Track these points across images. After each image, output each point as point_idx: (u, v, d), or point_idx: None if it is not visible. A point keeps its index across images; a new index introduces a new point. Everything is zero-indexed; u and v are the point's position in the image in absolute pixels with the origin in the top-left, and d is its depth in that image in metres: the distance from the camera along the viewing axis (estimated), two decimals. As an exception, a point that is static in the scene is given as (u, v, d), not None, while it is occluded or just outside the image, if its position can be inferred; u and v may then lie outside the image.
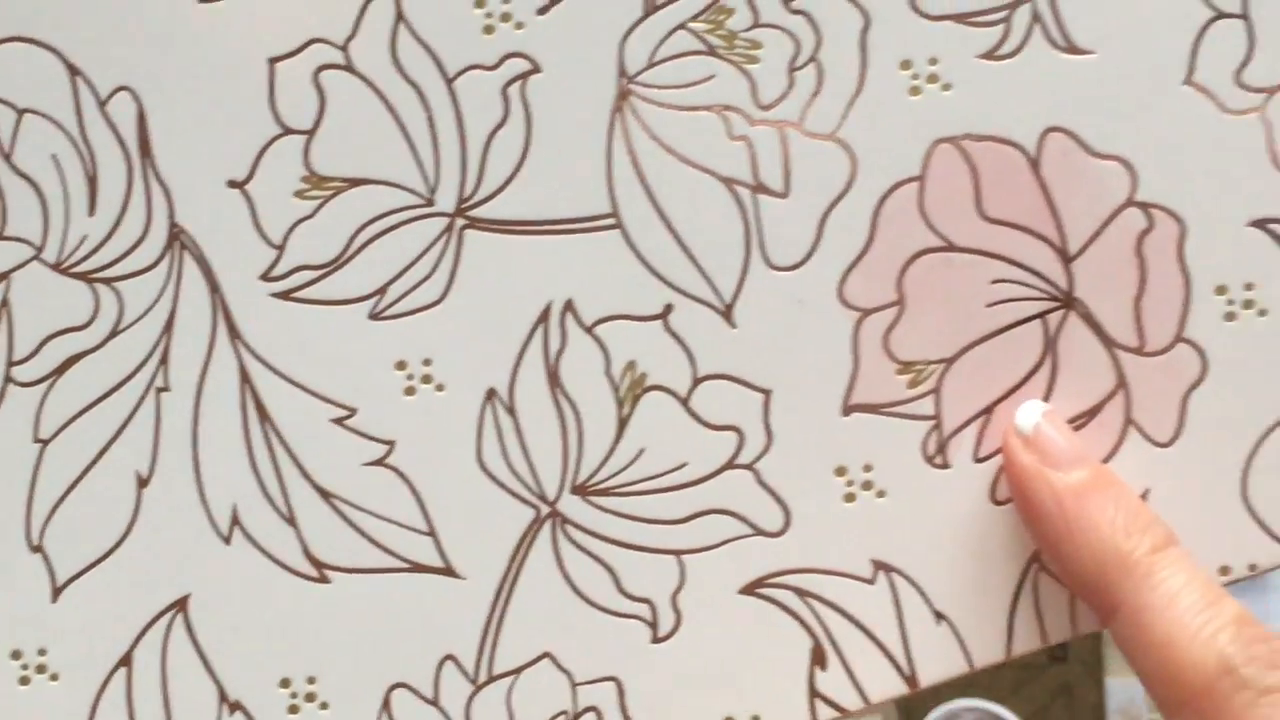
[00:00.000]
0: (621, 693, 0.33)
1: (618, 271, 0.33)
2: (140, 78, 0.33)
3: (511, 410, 0.33)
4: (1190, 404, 0.32)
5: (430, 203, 0.33)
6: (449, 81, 0.33)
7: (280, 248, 0.33)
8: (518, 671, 0.33)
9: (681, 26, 0.33)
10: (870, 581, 0.33)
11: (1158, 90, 0.32)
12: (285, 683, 0.33)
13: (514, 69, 0.33)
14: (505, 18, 0.33)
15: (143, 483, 0.33)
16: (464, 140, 0.33)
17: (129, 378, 0.33)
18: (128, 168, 0.33)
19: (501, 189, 0.33)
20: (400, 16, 0.33)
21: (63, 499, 0.33)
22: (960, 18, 0.32)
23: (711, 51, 0.33)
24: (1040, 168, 0.32)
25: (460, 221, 0.33)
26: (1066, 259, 0.32)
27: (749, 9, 0.32)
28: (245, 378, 0.33)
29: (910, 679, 0.33)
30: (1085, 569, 0.30)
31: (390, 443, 0.33)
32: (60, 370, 0.33)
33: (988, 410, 0.32)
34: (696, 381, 0.33)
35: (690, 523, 0.33)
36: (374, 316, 0.33)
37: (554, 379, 0.33)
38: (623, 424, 0.33)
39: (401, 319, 0.33)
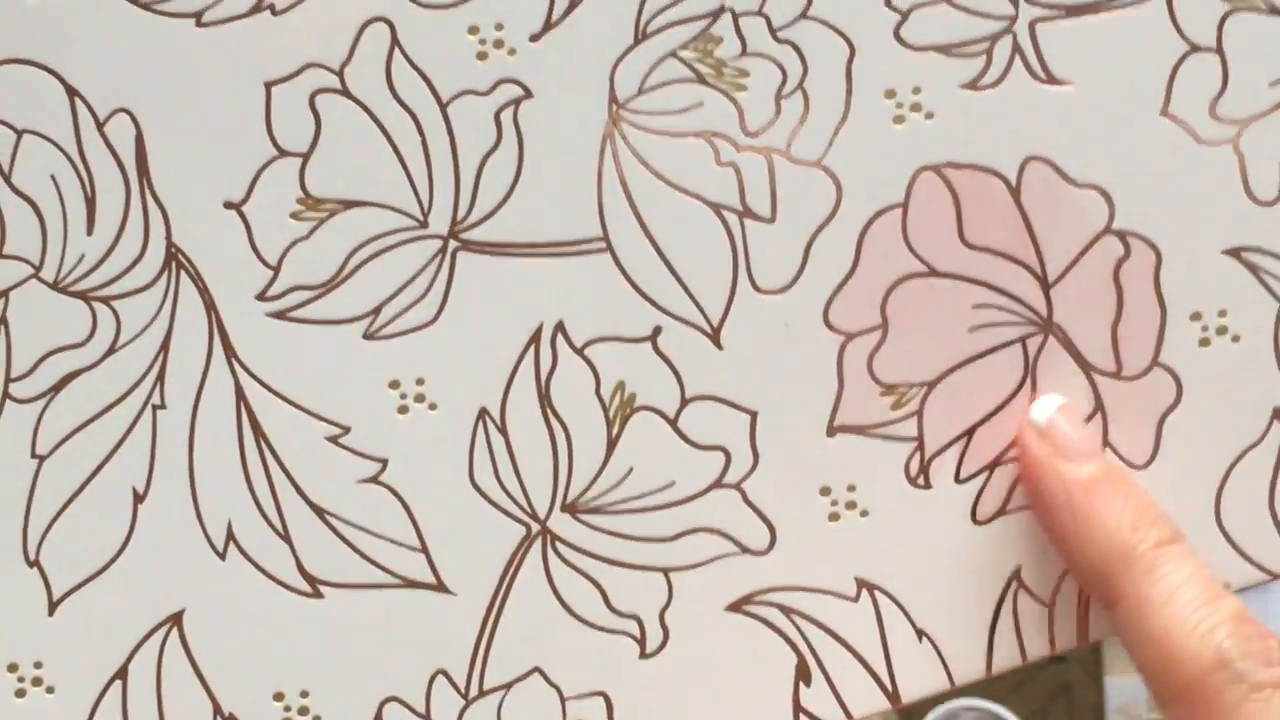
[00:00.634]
0: (610, 707, 0.33)
1: (608, 294, 0.33)
2: (138, 100, 0.33)
3: (503, 429, 0.33)
4: (1165, 427, 0.33)
5: (424, 225, 0.33)
6: (443, 106, 0.33)
7: (276, 268, 0.33)
8: (508, 686, 0.33)
9: (671, 54, 0.33)
10: (854, 599, 0.33)
11: (1135, 121, 0.33)
12: (279, 696, 0.33)
13: (507, 94, 0.33)
14: (498, 44, 0.33)
15: (139, 498, 0.34)
16: (457, 164, 0.33)
17: (126, 395, 0.34)
18: (125, 188, 0.33)
19: (494, 212, 0.33)
20: (395, 42, 0.33)
21: (59, 514, 0.34)
22: (943, 49, 0.33)
23: (700, 79, 0.33)
24: (1020, 196, 0.33)
25: (453, 244, 0.33)
26: (1046, 285, 0.33)
27: (737, 38, 0.33)
28: (241, 395, 0.34)
29: (893, 695, 0.33)
30: (1090, 560, 0.31)
31: (383, 460, 0.34)
32: (58, 387, 0.34)
33: (969, 432, 0.33)
34: (685, 402, 0.33)
35: (678, 541, 0.33)
36: (368, 336, 0.33)
37: (545, 399, 0.33)
38: (612, 443, 0.33)
39: (395, 339, 0.33)
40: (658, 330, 0.33)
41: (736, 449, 0.33)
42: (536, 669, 0.33)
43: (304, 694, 0.33)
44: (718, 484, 0.33)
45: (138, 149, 0.33)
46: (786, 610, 0.33)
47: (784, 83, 0.33)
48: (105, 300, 0.33)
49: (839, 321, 0.33)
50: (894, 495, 0.33)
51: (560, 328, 0.33)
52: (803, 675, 0.33)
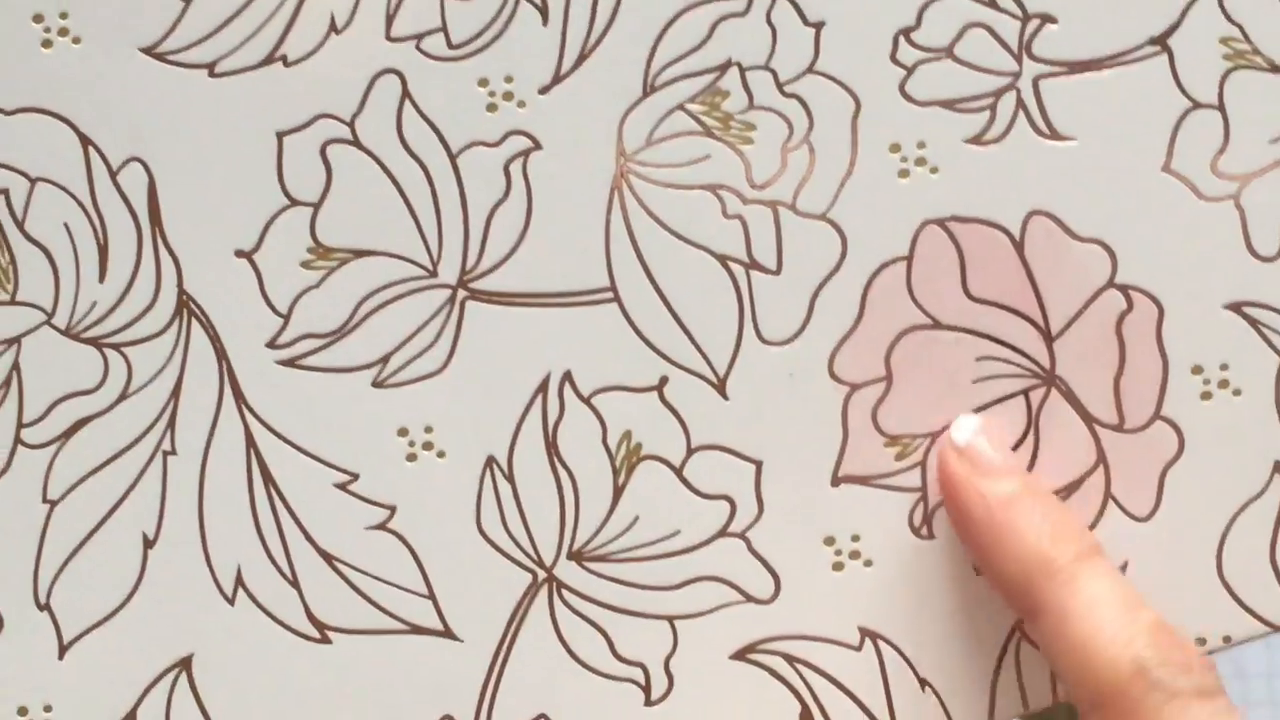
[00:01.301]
0: (615, 755, 0.34)
1: (615, 344, 0.34)
2: (151, 149, 0.34)
3: (510, 477, 0.34)
4: (1168, 480, 0.33)
5: (433, 274, 0.34)
6: (453, 157, 0.34)
7: (286, 316, 0.34)
8: (514, 733, 0.34)
9: (679, 108, 0.34)
10: (857, 649, 0.34)
11: (1137, 176, 0.33)
12: (286, 741, 0.34)
13: (516, 146, 0.34)
14: (508, 96, 0.34)
15: (149, 544, 0.34)
16: (466, 214, 0.34)
17: (136, 441, 0.34)
18: (138, 236, 0.34)
19: (502, 262, 0.34)
20: (406, 94, 0.34)
21: (70, 558, 0.34)
22: (947, 104, 0.33)
23: (707, 132, 0.34)
24: (1024, 249, 0.33)
25: (462, 293, 0.34)
26: (1049, 338, 0.33)
27: (744, 92, 0.34)
28: (250, 442, 0.34)
29: (895, 745, 0.34)
30: (1011, 574, 0.31)
31: (392, 508, 0.34)
32: (69, 433, 0.34)
33: (972, 484, 0.34)
34: (690, 452, 0.34)
35: (683, 589, 0.34)
36: (377, 384, 0.34)
37: (552, 447, 0.34)
38: (618, 492, 0.34)
39: (404, 387, 0.34)
40: (664, 380, 0.34)
41: (741, 498, 0.34)
42: (542, 715, 0.34)
43: (311, 740, 0.34)
44: (723, 533, 0.34)
45: (150, 197, 0.34)
46: (790, 659, 0.34)
47: (790, 136, 0.34)
48: (117, 347, 0.34)
49: (843, 373, 0.34)
50: (898, 545, 0.34)
51: (568, 377, 0.34)
52: (806, 724, 0.34)
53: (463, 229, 0.34)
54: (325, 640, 0.34)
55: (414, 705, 0.34)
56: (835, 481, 0.34)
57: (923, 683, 0.34)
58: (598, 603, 0.34)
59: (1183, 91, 0.33)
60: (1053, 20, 0.33)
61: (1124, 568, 0.33)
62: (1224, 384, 0.33)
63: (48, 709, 0.34)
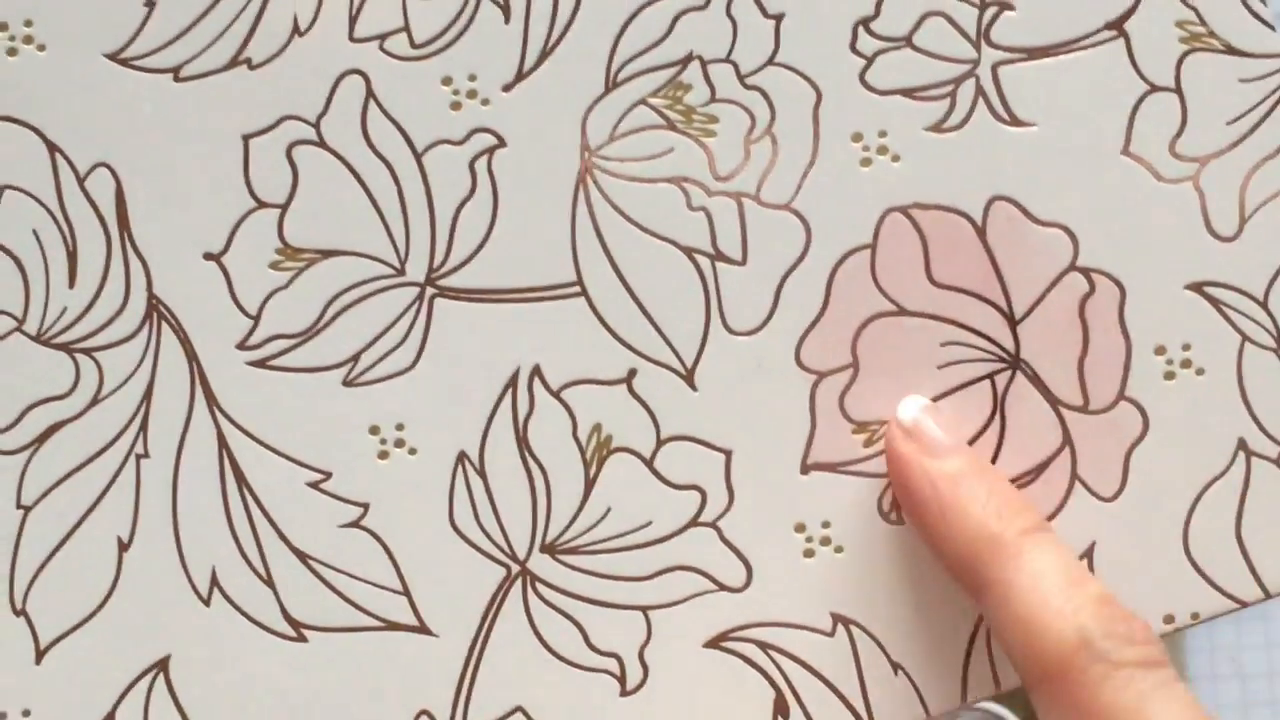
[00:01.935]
0: (591, 746, 0.34)
1: (583, 337, 0.34)
2: (118, 154, 0.34)
3: (482, 472, 0.34)
4: (1133, 460, 0.34)
5: (401, 273, 0.34)
6: (418, 156, 0.34)
7: (256, 318, 0.34)
8: (491, 726, 0.34)
9: (642, 102, 0.34)
10: (830, 634, 0.34)
11: (1097, 160, 0.34)
12: (265, 740, 0.34)
13: (481, 144, 0.34)
14: (472, 94, 0.34)
15: (124, 546, 0.34)
16: (433, 212, 0.34)
17: (109, 445, 0.34)
18: (106, 241, 0.34)
19: (470, 259, 0.34)
20: (370, 94, 0.34)
21: (45, 563, 0.34)
22: (908, 92, 0.34)
23: (671, 126, 0.34)
24: (986, 235, 0.34)
25: (430, 290, 0.34)
26: (1013, 322, 0.34)
27: (706, 84, 0.34)
28: (223, 444, 0.34)
29: (869, 729, 0.34)
30: (958, 549, 0.32)
31: (365, 505, 0.34)
32: (42, 438, 0.34)
33: (939, 468, 0.34)
34: (660, 443, 0.34)
35: (656, 579, 0.34)
36: (347, 383, 0.34)
37: (523, 442, 0.34)
38: (590, 484, 0.34)
39: (374, 385, 0.34)
40: (633, 372, 0.34)
41: (712, 488, 0.34)
42: (519, 708, 0.34)
43: (289, 738, 0.34)
44: (694, 523, 0.34)
45: (118, 202, 0.34)
46: (764, 646, 0.34)
47: (752, 128, 0.34)
48: (88, 352, 0.34)
49: (810, 361, 0.34)
50: (868, 531, 0.34)
51: (537, 371, 0.34)
52: (781, 710, 0.34)
53: (429, 227, 0.34)
54: (301, 639, 0.34)
55: (391, 701, 0.34)
56: (805, 469, 0.34)
57: (895, 666, 0.34)
58: (571, 595, 0.34)
59: (1140, 75, 0.34)
60: (1010, 7, 0.34)
61: (1091, 548, 0.34)
62: (1186, 364, 0.34)
63: (26, 713, 0.34)
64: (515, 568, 0.34)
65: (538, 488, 0.34)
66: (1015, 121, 0.34)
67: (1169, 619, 0.34)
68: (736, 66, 0.34)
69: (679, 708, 0.34)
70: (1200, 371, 0.34)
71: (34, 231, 0.34)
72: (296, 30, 0.34)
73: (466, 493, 0.34)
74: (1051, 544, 0.31)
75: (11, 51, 0.34)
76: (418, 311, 0.34)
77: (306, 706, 0.34)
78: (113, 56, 0.34)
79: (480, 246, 0.34)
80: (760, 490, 0.34)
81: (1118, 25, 0.34)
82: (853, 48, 0.34)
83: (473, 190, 0.34)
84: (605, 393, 0.34)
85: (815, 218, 0.34)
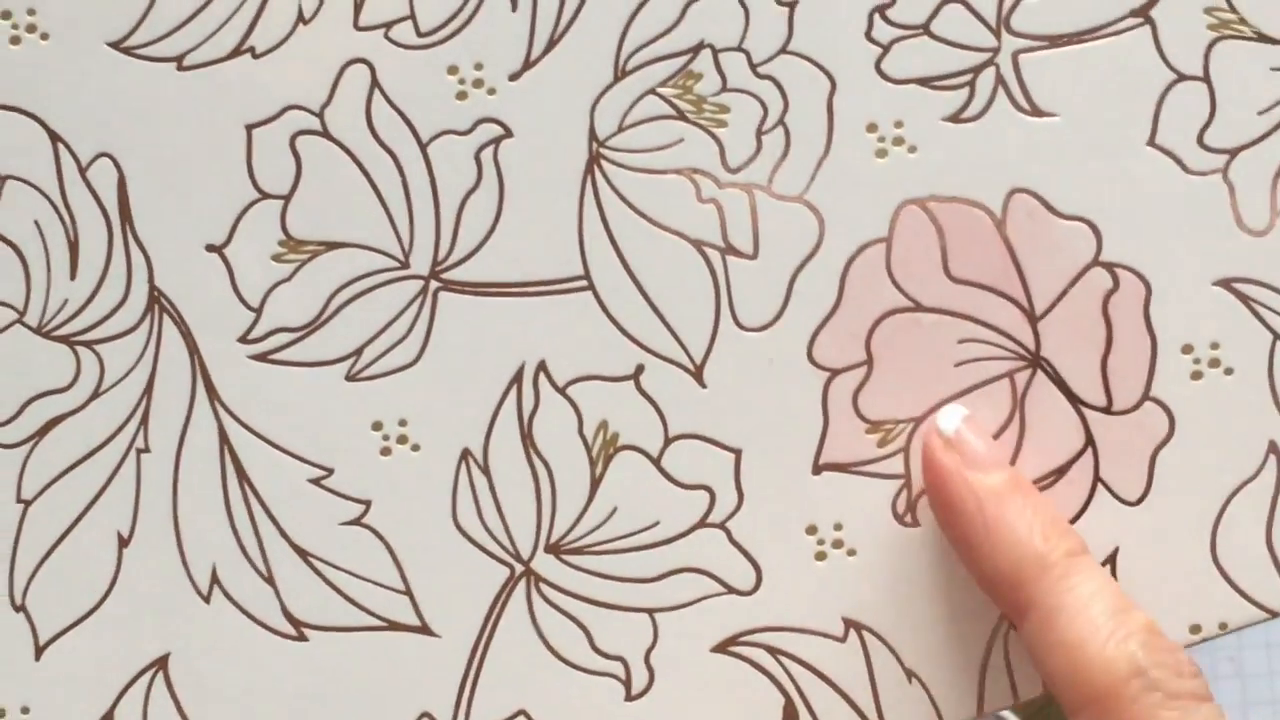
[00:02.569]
0: (594, 751, 0.33)
1: (590, 332, 0.33)
2: (120, 144, 0.33)
3: (486, 470, 0.33)
4: (1159, 462, 0.33)
5: (405, 265, 0.33)
6: (423, 147, 0.33)
7: (258, 310, 0.33)
8: (492, 730, 0.33)
9: (651, 91, 0.33)
10: (841, 640, 0.33)
11: (1122, 151, 0.32)
12: (263, 741, 0.33)
13: (487, 134, 0.33)
14: (478, 84, 0.33)
15: (124, 542, 0.34)
16: (438, 204, 0.33)
17: (110, 439, 0.34)
18: (108, 233, 0.33)
19: (475, 252, 0.33)
20: (375, 83, 0.33)
21: (45, 558, 0.34)
22: (925, 81, 0.33)
23: (680, 116, 0.33)
24: (1005, 228, 0.33)
25: (434, 284, 0.33)
26: (1033, 319, 0.33)
27: (717, 74, 0.33)
28: (224, 438, 0.33)
29: (880, 738, 0.33)
30: (1001, 569, 0.31)
31: (366, 502, 0.33)
32: (42, 432, 0.34)
33: (956, 469, 0.33)
34: (668, 441, 0.33)
35: (663, 581, 0.33)
36: (350, 378, 0.33)
37: (528, 439, 0.33)
38: (595, 483, 0.33)
39: (377, 380, 0.33)
40: (640, 369, 0.33)
41: (721, 488, 0.33)
42: (521, 711, 0.33)
43: (288, 739, 0.33)
44: (702, 524, 0.33)
45: (120, 193, 0.33)
46: (773, 651, 0.33)
47: (765, 118, 0.33)
48: (89, 344, 0.34)
49: (823, 358, 0.33)
50: (881, 534, 0.33)
51: (542, 367, 0.33)
52: (790, 717, 0.33)
53: (434, 219, 0.33)
54: (302, 638, 0.33)
55: (391, 702, 0.33)
56: (816, 469, 0.33)
57: (909, 674, 0.33)
58: (576, 596, 0.33)
59: (1166, 64, 0.32)
60: (1032, -7, 0.33)
61: (1114, 554, 0.32)
62: (1215, 363, 0.33)
63: (25, 710, 0.33)
64: (519, 568, 0.33)
65: (542, 486, 0.33)
66: (1036, 111, 0.33)
67: (1195, 629, 0.32)
68: (748, 55, 0.33)
69: (685, 713, 0.33)
70: (1229, 371, 0.33)
71: (35, 222, 0.34)
72: (301, 18, 0.33)
73: (470, 491, 0.33)
74: (1095, 568, 0.31)
75: (14, 40, 0.33)
76: (422, 305, 0.33)
77: (306, 706, 0.33)
78: (115, 45, 0.33)
79: (486, 239, 0.33)
80: (771, 491, 0.33)
81: (1143, 12, 0.32)
82: (868, 35, 0.33)
83: (478, 182, 0.33)
84: (612, 389, 0.33)
85: (829, 210, 0.33)
